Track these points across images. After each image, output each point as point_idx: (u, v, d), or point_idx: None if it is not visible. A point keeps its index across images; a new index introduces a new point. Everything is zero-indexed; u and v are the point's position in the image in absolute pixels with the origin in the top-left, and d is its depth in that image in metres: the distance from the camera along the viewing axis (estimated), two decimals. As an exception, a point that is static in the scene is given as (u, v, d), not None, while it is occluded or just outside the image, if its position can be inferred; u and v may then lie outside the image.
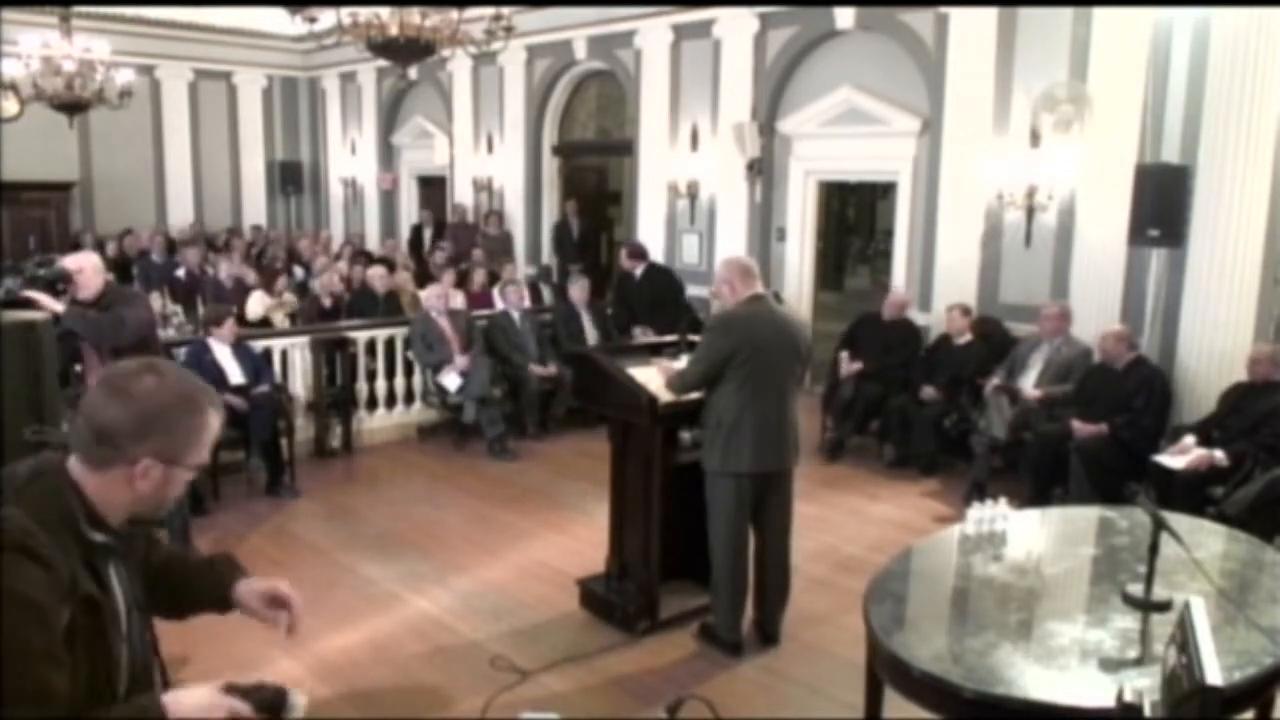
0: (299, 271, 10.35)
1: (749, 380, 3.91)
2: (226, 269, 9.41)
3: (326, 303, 8.32)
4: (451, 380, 7.32)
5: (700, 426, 4.09)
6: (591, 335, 8.21)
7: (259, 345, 6.82)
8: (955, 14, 7.58)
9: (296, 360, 7.13)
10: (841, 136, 8.66)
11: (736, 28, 9.10)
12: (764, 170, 9.12)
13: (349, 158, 14.33)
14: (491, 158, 11.95)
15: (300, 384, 7.12)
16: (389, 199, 13.92)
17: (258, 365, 6.47)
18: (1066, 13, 6.93)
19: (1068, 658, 2.58)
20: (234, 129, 14.14)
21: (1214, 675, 1.71)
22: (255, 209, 14.31)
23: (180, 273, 10.12)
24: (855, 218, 15.08)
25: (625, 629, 4.32)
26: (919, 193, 8.17)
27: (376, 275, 8.53)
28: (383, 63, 9.46)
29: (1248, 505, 4.70)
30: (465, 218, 11.95)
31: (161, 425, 1.63)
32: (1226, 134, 5.62)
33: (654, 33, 9.81)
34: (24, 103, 10.17)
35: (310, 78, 14.69)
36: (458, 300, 8.55)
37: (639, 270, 8.63)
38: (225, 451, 5.99)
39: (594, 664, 4.07)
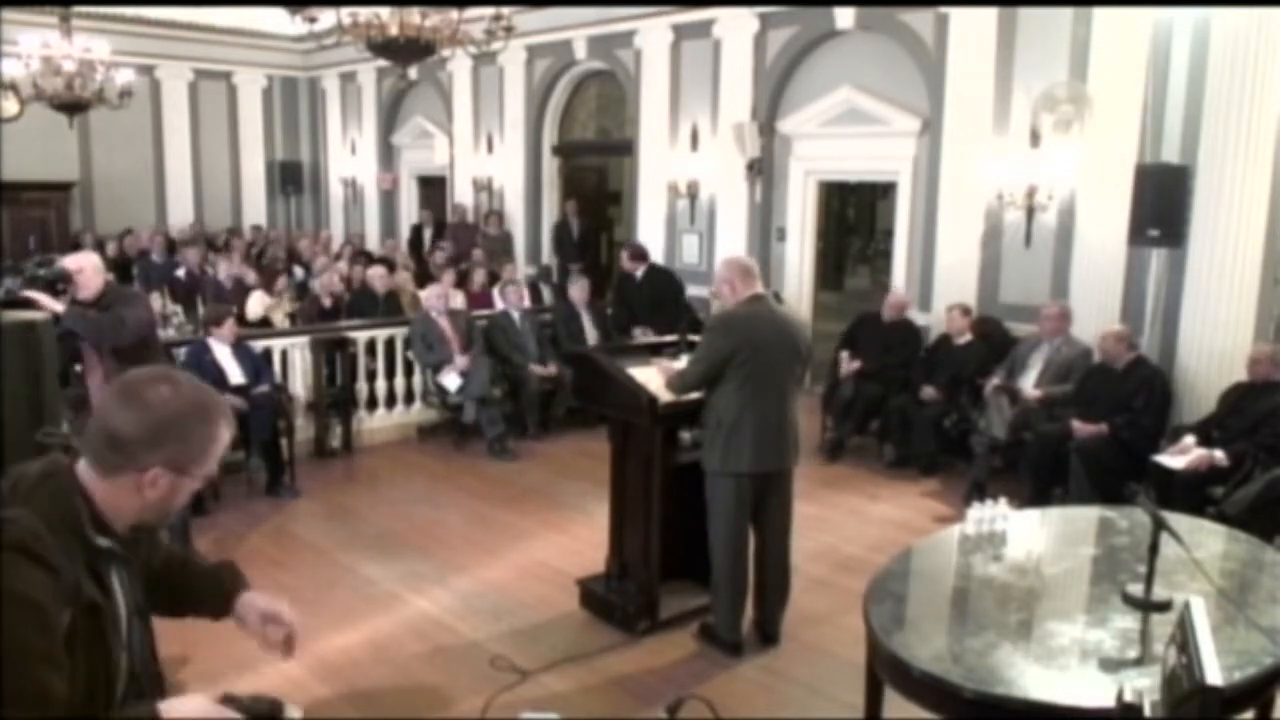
0: (299, 271, 10.34)
1: (749, 380, 3.91)
2: (225, 269, 9.40)
3: (326, 303, 8.32)
4: (451, 380, 7.32)
5: (700, 426, 4.09)
6: (591, 335, 8.21)
7: (259, 345, 6.82)
8: (955, 14, 7.58)
9: (296, 360, 7.13)
10: (841, 136, 8.66)
11: (736, 28, 9.10)
12: (764, 170, 9.12)
13: (349, 158, 14.33)
14: (491, 158, 11.95)
15: (300, 384, 7.12)
16: (389, 199, 13.93)
17: (258, 365, 6.47)
18: (1066, 13, 6.93)
19: (1068, 658, 2.58)
20: (234, 129, 14.14)
21: (1214, 675, 1.71)
22: (255, 209, 14.31)
23: (180, 273, 10.13)
24: (855, 218, 15.08)
25: (625, 629, 4.32)
26: (919, 193, 8.17)
27: (376, 275, 8.53)
28: (383, 63, 9.47)
29: (1248, 505, 4.70)
30: (465, 218, 11.95)
31: (174, 435, 1.63)
32: (1226, 134, 5.62)
33: (654, 33, 9.81)
34: (24, 103, 10.17)
35: (310, 78, 14.70)
36: (458, 300, 8.55)
37: (640, 271, 8.64)
38: (225, 451, 5.97)
39: (594, 664, 4.07)
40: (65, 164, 12.34)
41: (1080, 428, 5.70)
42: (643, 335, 7.75)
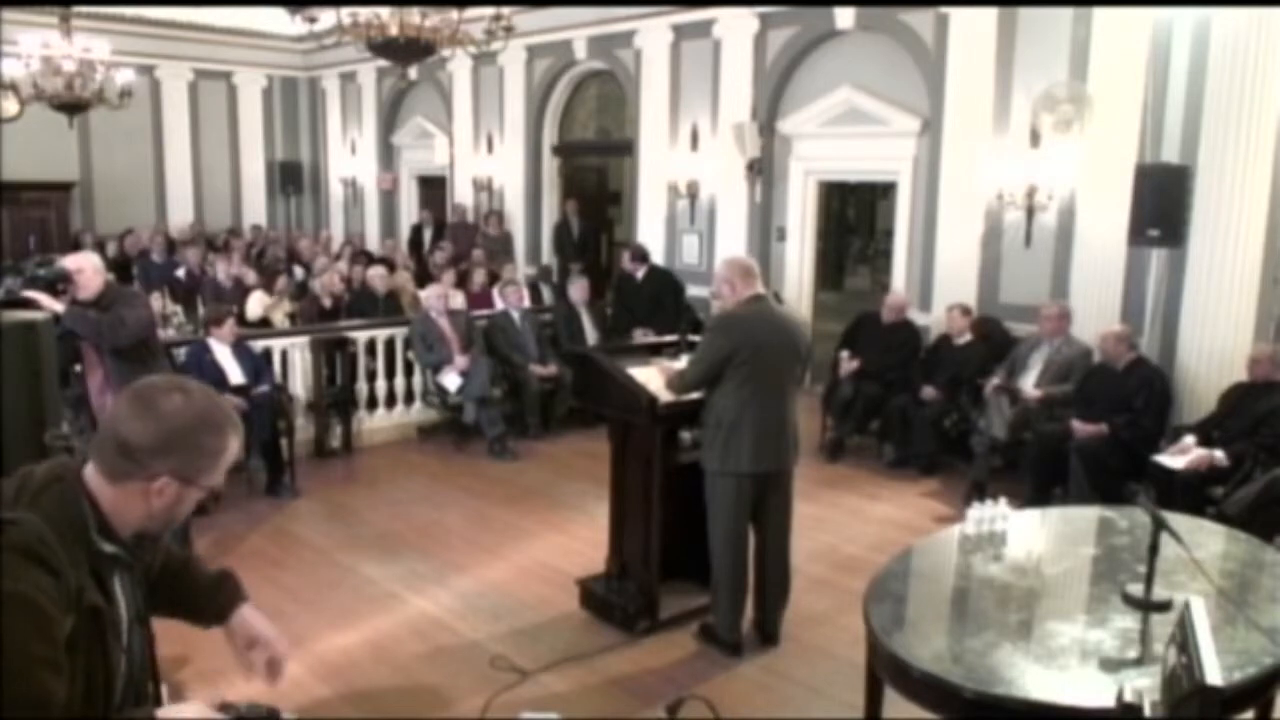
0: (299, 271, 10.34)
1: (749, 380, 3.91)
2: (224, 269, 9.40)
3: (326, 303, 8.32)
4: (451, 380, 7.32)
5: (700, 426, 4.09)
6: (591, 335, 8.22)
7: (259, 345, 6.82)
8: (955, 14, 7.58)
9: (296, 360, 7.13)
10: (841, 136, 8.66)
11: (736, 28, 9.10)
12: (764, 170, 9.11)
13: (349, 158, 14.33)
14: (491, 158, 11.95)
15: (300, 384, 7.12)
16: (389, 199, 13.92)
17: (258, 365, 6.47)
18: (1066, 13, 6.93)
19: (1068, 658, 2.58)
20: (234, 129, 14.14)
21: (1214, 675, 1.71)
22: (255, 209, 14.30)
23: (180, 273, 10.14)
24: (855, 218, 15.09)
25: (625, 629, 4.32)
26: (919, 193, 8.17)
27: (376, 275, 8.53)
28: (383, 63, 9.49)
29: (1248, 505, 4.70)
30: (465, 218, 11.95)
31: (184, 445, 1.64)
32: (1226, 134, 5.62)
33: (654, 33, 9.81)
34: (24, 103, 10.15)
35: (310, 78, 14.69)
36: (458, 300, 8.55)
37: (640, 273, 8.67)
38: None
39: (594, 664, 4.07)
40: (65, 164, 12.34)
41: (1080, 428, 5.70)
42: (643, 336, 7.76)
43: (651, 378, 4.24)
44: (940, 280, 7.84)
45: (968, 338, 7.00)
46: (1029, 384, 6.36)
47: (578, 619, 4.51)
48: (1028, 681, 2.44)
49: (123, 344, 4.42)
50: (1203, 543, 3.28)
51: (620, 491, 4.46)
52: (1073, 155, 6.92)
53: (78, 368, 4.71)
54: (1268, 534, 4.00)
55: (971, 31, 7.48)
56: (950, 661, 2.56)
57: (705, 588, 4.25)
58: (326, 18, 6.32)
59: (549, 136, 11.51)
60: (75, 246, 10.26)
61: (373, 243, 13.03)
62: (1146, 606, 2.78)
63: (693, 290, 9.06)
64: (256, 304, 8.48)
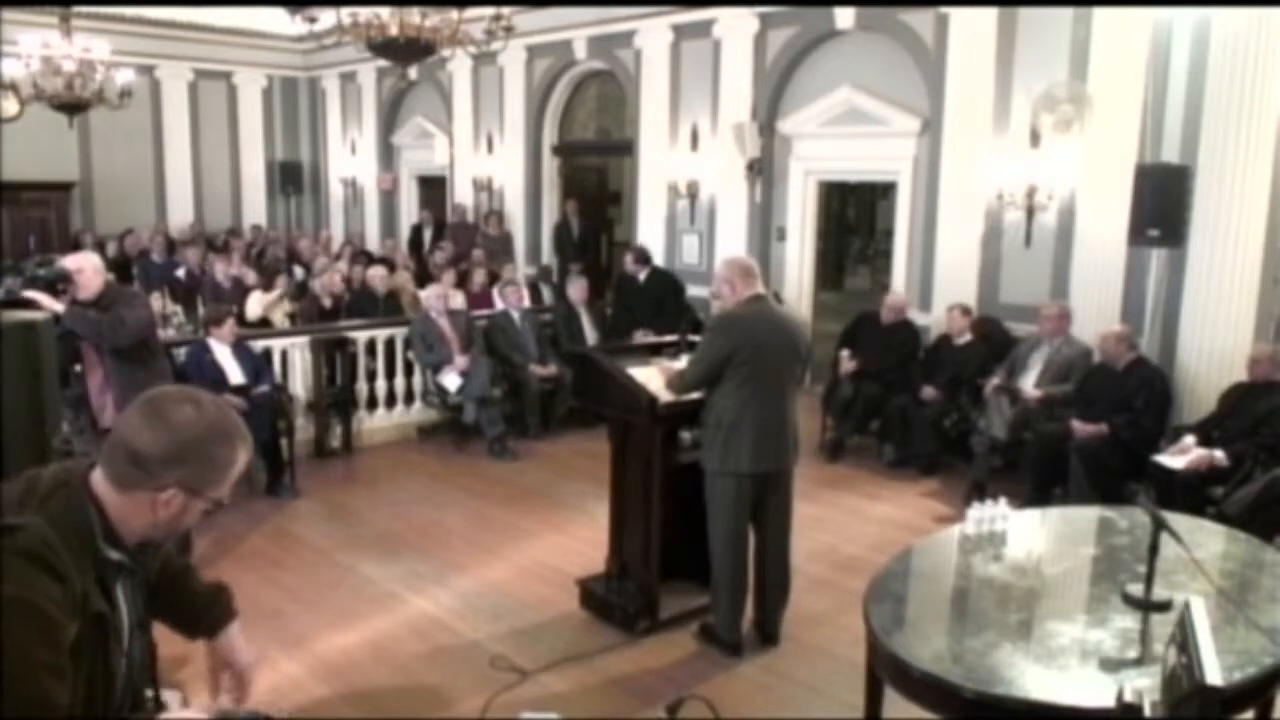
0: (299, 271, 10.34)
1: (749, 380, 3.91)
2: (222, 270, 9.39)
3: (326, 303, 8.32)
4: (451, 380, 7.32)
5: (700, 426, 4.09)
6: (590, 335, 8.22)
7: (259, 345, 6.82)
8: (955, 14, 7.58)
9: (296, 360, 7.13)
10: (841, 136, 8.66)
11: (736, 28, 9.10)
12: (764, 170, 9.11)
13: (349, 158, 14.33)
14: (491, 158, 11.95)
15: (300, 384, 7.12)
16: (389, 199, 13.92)
17: (258, 365, 6.47)
18: (1066, 13, 6.93)
19: (1068, 658, 2.58)
20: (234, 129, 14.13)
21: (1214, 675, 1.71)
22: (255, 209, 14.30)
23: (180, 273, 10.14)
24: (855, 218, 15.10)
25: (625, 629, 4.32)
26: (919, 193, 8.17)
27: (377, 275, 8.53)
28: (383, 63, 9.49)
29: (1248, 505, 4.70)
30: (465, 218, 11.95)
31: (194, 456, 1.65)
32: (1226, 134, 5.62)
33: (654, 33, 9.81)
34: (24, 103, 10.15)
35: (310, 78, 14.69)
36: (458, 300, 8.54)
37: (643, 275, 8.69)
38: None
39: (594, 664, 4.07)
40: (65, 164, 12.34)
41: (1080, 428, 5.70)
42: (643, 337, 7.75)
43: (651, 378, 4.24)
44: (940, 280, 7.84)
45: (968, 338, 7.00)
46: (1029, 384, 6.36)
47: (578, 619, 4.51)
48: (1028, 681, 2.45)
49: (123, 344, 4.43)
50: (1203, 543, 3.28)
51: (620, 491, 4.46)
52: (1073, 155, 6.92)
53: (78, 368, 4.72)
54: (1268, 534, 4.00)
55: (971, 31, 7.48)
56: (950, 661, 2.56)
57: (705, 588, 4.25)
58: (326, 18, 6.32)
59: (549, 136, 11.51)
60: (75, 246, 10.26)
61: (373, 243, 13.03)
62: (1146, 606, 2.78)
63: (693, 290, 9.06)
64: (256, 304, 8.48)
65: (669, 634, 4.31)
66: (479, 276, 9.29)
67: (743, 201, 9.28)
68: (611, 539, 4.52)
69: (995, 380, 6.42)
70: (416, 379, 7.76)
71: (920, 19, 7.87)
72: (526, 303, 8.37)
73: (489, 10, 6.55)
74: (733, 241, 9.20)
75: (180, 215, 13.43)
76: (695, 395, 4.06)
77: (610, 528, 4.53)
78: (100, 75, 9.47)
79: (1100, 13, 6.51)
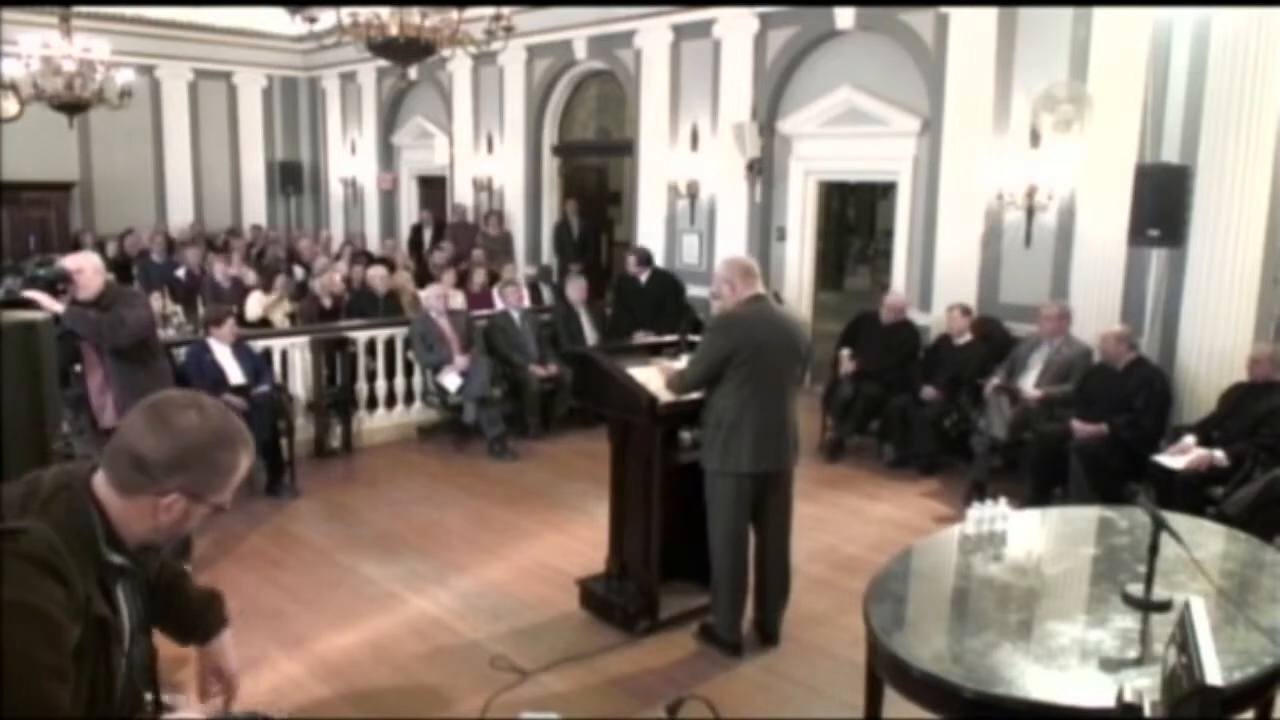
0: (299, 271, 10.34)
1: (749, 380, 3.91)
2: (221, 270, 9.39)
3: (326, 303, 8.32)
4: (451, 380, 7.32)
5: (700, 426, 4.09)
6: (590, 335, 8.22)
7: (259, 345, 6.82)
8: (955, 14, 7.58)
9: (296, 360, 7.13)
10: (841, 136, 8.66)
11: (736, 28, 9.10)
12: (764, 170, 9.12)
13: (349, 158, 14.33)
14: (491, 158, 11.95)
15: (300, 384, 7.12)
16: (389, 199, 13.92)
17: (258, 365, 6.47)
18: (1066, 13, 6.93)
19: (1068, 658, 2.58)
20: (234, 129, 14.14)
21: (1214, 675, 1.71)
22: (255, 209, 14.30)
23: (180, 273, 10.13)
24: (855, 218, 15.10)
25: (625, 629, 4.32)
26: (919, 193, 8.17)
27: (377, 275, 8.53)
28: (383, 63, 9.49)
29: (1248, 505, 4.70)
30: (465, 218, 11.96)
31: (197, 461, 1.65)
32: (1226, 134, 5.62)
33: (654, 33, 9.81)
34: (24, 103, 10.15)
35: (310, 78, 14.69)
36: (458, 300, 8.55)
37: (644, 276, 8.71)
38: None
39: (594, 664, 4.07)
40: (65, 164, 12.34)
41: (1080, 428, 5.70)
42: (644, 338, 7.75)
43: (651, 378, 4.24)
44: (940, 280, 7.84)
45: (968, 338, 7.00)
46: (1029, 384, 6.36)
47: (578, 619, 4.51)
48: (1028, 681, 2.45)
49: (123, 344, 4.42)
50: (1203, 543, 3.28)
51: (620, 491, 4.46)
52: (1073, 155, 6.92)
53: (78, 368, 4.71)
54: (1268, 534, 4.00)
55: (971, 31, 7.48)
56: (950, 661, 2.56)
57: (705, 588, 4.25)
58: (326, 18, 6.32)
59: (549, 136, 11.51)
60: (75, 246, 10.26)
61: (373, 243, 13.02)
62: (1146, 606, 2.78)
63: (693, 290, 9.06)
64: (255, 304, 8.48)
65: (669, 634, 4.30)
66: (479, 276, 9.29)
67: (743, 201, 9.28)
68: (611, 539, 4.52)
69: (995, 380, 6.42)
70: (416, 379, 7.76)
71: (920, 19, 7.87)
72: (526, 303, 8.38)
73: (489, 10, 6.55)
74: (733, 241, 9.20)
75: (180, 215, 13.43)
76: (695, 395, 4.06)
77: (610, 528, 4.53)
78: (100, 75, 9.47)
79: (1100, 13, 6.51)
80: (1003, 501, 3.51)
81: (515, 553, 5.33)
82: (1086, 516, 3.86)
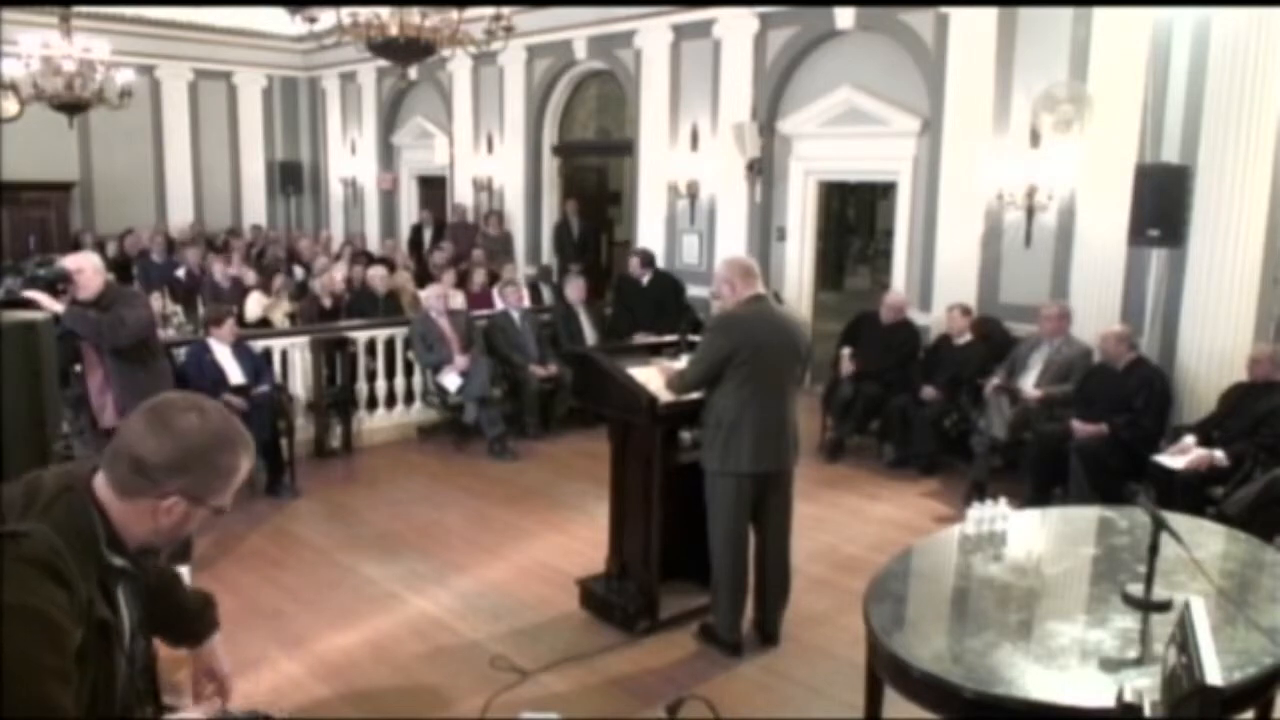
0: (299, 271, 10.34)
1: (749, 380, 3.91)
2: (221, 270, 9.38)
3: (326, 303, 8.32)
4: (451, 380, 7.32)
5: (700, 426, 4.09)
6: (589, 334, 8.22)
7: (259, 345, 6.82)
8: (955, 14, 7.58)
9: (296, 360, 7.13)
10: (841, 136, 8.66)
11: (736, 28, 9.10)
12: (764, 170, 9.11)
13: (349, 158, 14.33)
14: (491, 158, 11.95)
15: (300, 384, 7.12)
16: (389, 199, 13.92)
17: (258, 365, 6.47)
18: (1066, 13, 6.93)
19: (1068, 658, 2.58)
20: (234, 129, 14.13)
21: (1214, 675, 1.71)
22: (255, 209, 14.30)
23: (180, 273, 10.13)
24: (855, 218, 15.11)
25: (625, 629, 4.32)
26: (919, 193, 8.17)
27: (377, 275, 8.53)
28: (383, 63, 9.49)
29: (1248, 505, 4.70)
30: (465, 218, 11.96)
31: (198, 464, 1.65)
32: (1226, 134, 5.62)
33: (654, 33, 9.81)
34: (24, 103, 10.15)
35: (310, 78, 14.69)
36: (458, 300, 8.55)
37: (646, 278, 8.71)
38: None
39: (594, 664, 4.07)
40: (65, 164, 12.34)
41: (1080, 428, 5.70)
42: (644, 339, 7.76)
43: (651, 378, 4.24)
44: (940, 280, 7.84)
45: (968, 338, 7.00)
46: (1029, 384, 6.36)
47: (578, 619, 4.51)
48: (1028, 681, 2.45)
49: (123, 344, 4.42)
50: (1203, 543, 3.28)
51: (620, 491, 4.46)
52: (1073, 155, 6.92)
53: (78, 368, 4.71)
54: (1268, 534, 4.00)
55: (971, 31, 7.48)
56: (950, 661, 2.56)
57: (705, 588, 4.25)
58: (326, 18, 6.32)
59: (549, 136, 11.50)
60: (75, 246, 10.26)
61: (373, 243, 13.02)
62: (1146, 606, 2.78)
63: (693, 290, 9.07)
64: (255, 305, 8.48)
65: (669, 634, 4.30)
66: (479, 276, 9.29)
67: (743, 201, 9.28)
68: (611, 539, 4.52)
69: (995, 380, 6.42)
70: (416, 379, 7.76)
71: (920, 19, 7.87)
72: (526, 303, 8.38)
73: (489, 10, 6.55)
74: (733, 241, 9.20)
75: (180, 215, 13.42)
76: (695, 395, 4.06)
77: (610, 528, 4.53)
78: (100, 75, 9.47)
79: (1100, 13, 6.51)
80: (1003, 501, 3.51)
81: (515, 553, 5.33)
82: (1086, 516, 3.86)
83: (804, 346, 4.19)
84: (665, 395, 4.13)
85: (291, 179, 14.61)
